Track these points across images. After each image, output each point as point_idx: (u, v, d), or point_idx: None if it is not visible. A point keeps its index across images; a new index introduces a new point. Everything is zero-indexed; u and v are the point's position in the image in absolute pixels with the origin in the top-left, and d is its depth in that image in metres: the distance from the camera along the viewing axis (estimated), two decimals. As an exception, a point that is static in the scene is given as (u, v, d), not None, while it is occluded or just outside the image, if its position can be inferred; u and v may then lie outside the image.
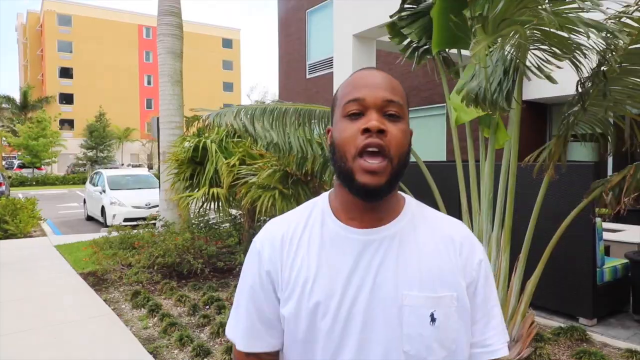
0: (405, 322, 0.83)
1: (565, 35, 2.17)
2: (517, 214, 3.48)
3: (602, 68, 2.44)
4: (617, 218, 6.45)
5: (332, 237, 0.88)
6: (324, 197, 0.96)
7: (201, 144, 6.53)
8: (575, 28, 2.06)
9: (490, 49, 2.92)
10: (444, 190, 3.85)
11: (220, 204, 6.41)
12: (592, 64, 2.57)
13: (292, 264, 0.88)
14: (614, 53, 2.20)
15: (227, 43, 64.23)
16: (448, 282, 0.86)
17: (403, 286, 0.84)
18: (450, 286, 0.86)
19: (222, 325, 4.21)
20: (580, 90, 2.61)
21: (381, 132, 0.81)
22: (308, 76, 15.28)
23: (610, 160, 8.52)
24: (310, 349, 0.85)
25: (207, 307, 4.89)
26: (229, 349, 3.69)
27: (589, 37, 2.00)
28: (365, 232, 0.87)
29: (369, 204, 0.87)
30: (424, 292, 0.84)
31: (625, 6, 2.18)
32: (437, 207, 3.78)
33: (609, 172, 8.19)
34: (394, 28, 4.07)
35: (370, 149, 0.81)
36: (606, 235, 4.98)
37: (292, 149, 3.38)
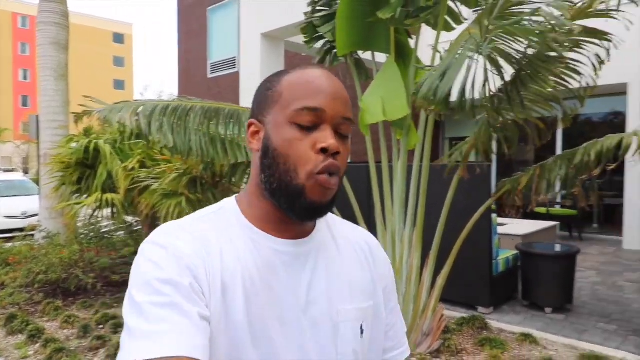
0: (340, 340, 0.76)
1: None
2: (428, 213, 3.61)
3: (517, 75, 2.59)
4: (502, 212, 7.06)
5: (258, 249, 0.75)
6: (231, 204, 0.80)
7: (92, 145, 5.89)
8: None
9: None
10: (356, 192, 3.87)
11: (115, 211, 5.83)
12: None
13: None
14: (527, 62, 2.34)
15: (118, 38, 59.84)
16: (369, 292, 0.82)
17: (337, 301, 0.77)
18: (370, 296, 0.82)
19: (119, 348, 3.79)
20: (495, 96, 2.73)
21: (337, 153, 0.72)
22: (210, 75, 14.74)
23: (494, 160, 9.37)
24: None
25: (101, 326, 4.38)
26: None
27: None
28: (292, 244, 0.77)
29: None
30: (354, 304, 0.79)
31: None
32: (352, 209, 3.79)
33: (493, 172, 8.98)
34: (308, 29, 4.00)
35: (329, 169, 0.72)
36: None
37: (191, 151, 3.13)
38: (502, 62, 2.44)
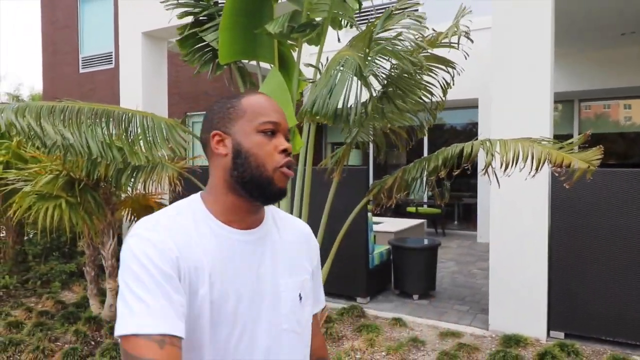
0: (283, 305, 1.00)
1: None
2: (311, 213, 3.90)
3: (384, 91, 2.99)
4: (380, 213, 7.72)
5: (219, 239, 0.95)
6: (197, 201, 0.99)
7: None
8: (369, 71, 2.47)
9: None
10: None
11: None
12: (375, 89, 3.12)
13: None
14: (390, 81, 2.73)
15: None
16: (304, 268, 1.08)
17: (280, 276, 1.01)
18: (306, 271, 1.09)
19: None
20: (364, 106, 3.11)
21: (290, 153, 1.00)
22: (82, 71, 13.64)
23: (371, 164, 10.18)
24: (215, 332, 0.91)
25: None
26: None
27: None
28: (246, 233, 0.99)
29: (257, 207, 1.00)
30: (293, 277, 1.04)
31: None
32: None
33: (371, 174, 9.76)
34: (186, 40, 4.05)
35: (289, 165, 0.98)
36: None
37: (91, 153, 3.04)
38: (372, 79, 2.82)
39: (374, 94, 3.09)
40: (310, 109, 2.84)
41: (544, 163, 2.40)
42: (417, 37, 2.57)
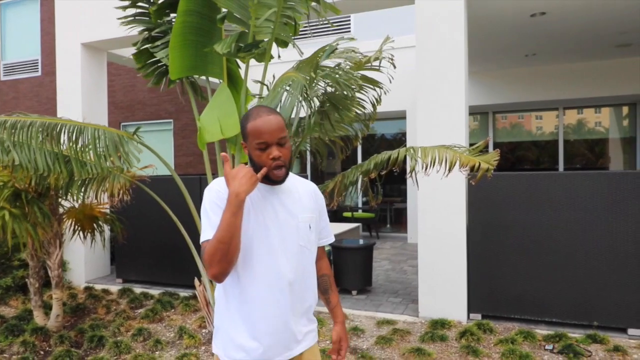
0: (298, 231, 1.65)
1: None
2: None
3: (322, 106, 3.41)
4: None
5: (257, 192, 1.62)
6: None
7: None
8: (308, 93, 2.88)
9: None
10: (175, 203, 4.25)
11: None
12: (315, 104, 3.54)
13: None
14: (327, 98, 3.16)
15: None
16: (313, 209, 1.73)
17: (296, 212, 1.66)
18: (314, 211, 1.73)
19: None
20: (305, 119, 3.52)
21: (280, 157, 1.55)
22: (3, 78, 12.96)
23: (309, 169, 10.65)
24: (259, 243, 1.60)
25: None
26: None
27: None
28: (271, 187, 1.64)
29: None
30: (305, 214, 1.68)
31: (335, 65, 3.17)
32: (192, 216, 4.18)
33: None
34: (141, 55, 4.26)
35: (277, 166, 1.56)
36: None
37: (38, 168, 3.17)
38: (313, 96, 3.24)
39: (314, 110, 3.52)
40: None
41: (454, 165, 2.93)
42: (349, 64, 3.02)
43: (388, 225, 10.71)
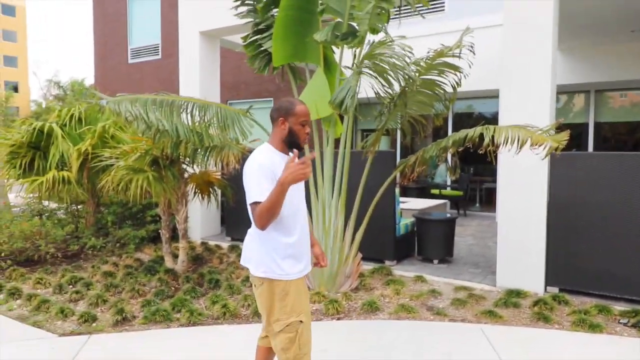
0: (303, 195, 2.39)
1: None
2: (350, 187, 4.80)
3: (406, 88, 3.85)
4: (404, 193, 8.53)
5: (281, 159, 2.25)
6: (269, 146, 2.31)
7: (46, 128, 6.32)
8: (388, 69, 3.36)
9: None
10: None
11: (69, 188, 6.32)
12: (399, 85, 3.98)
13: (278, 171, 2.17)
14: (411, 81, 3.59)
15: (9, 10, 54.38)
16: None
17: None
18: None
19: (100, 296, 4.55)
20: (392, 99, 3.99)
21: (309, 132, 2.31)
22: (130, 61, 14.81)
23: (398, 148, 10.99)
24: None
25: (71, 286, 5.05)
26: (120, 311, 4.14)
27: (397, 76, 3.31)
28: (286, 156, 2.29)
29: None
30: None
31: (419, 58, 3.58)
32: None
33: (398, 157, 10.57)
34: (250, 45, 4.98)
35: (307, 138, 2.30)
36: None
37: (179, 136, 4.02)
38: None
39: (395, 93, 3.97)
40: (337, 103, 3.77)
41: (525, 143, 3.21)
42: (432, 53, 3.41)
43: (477, 204, 10.75)
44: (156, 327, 4.01)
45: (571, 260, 4.69)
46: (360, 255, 4.90)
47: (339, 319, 4.16)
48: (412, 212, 7.17)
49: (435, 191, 10.01)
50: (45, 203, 7.43)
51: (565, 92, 9.30)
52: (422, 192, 10.50)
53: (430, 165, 4.09)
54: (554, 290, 4.77)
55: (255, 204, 2.12)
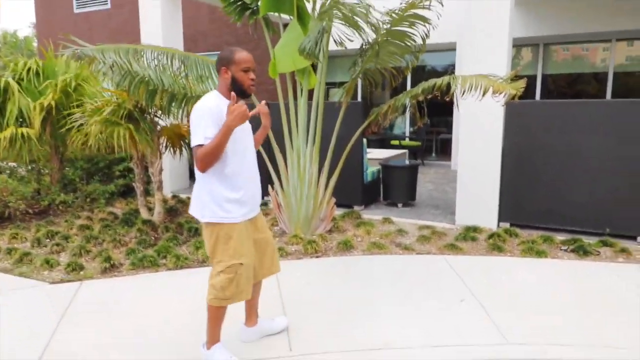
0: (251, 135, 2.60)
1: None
2: (323, 137, 5.05)
3: (376, 39, 4.07)
4: (368, 144, 8.84)
5: (226, 105, 2.34)
6: (217, 93, 2.42)
7: (2, 84, 6.09)
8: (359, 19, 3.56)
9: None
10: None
11: (30, 145, 6.18)
12: (370, 37, 4.19)
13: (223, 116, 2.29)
14: (381, 31, 3.81)
15: None
16: None
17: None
18: None
19: (82, 247, 4.67)
20: (362, 50, 4.21)
21: (254, 78, 2.43)
22: (76, 10, 13.97)
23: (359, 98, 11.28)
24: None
25: (49, 240, 5.11)
26: (108, 258, 4.30)
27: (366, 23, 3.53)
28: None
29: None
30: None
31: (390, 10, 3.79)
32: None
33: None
34: None
35: (252, 84, 2.42)
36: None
37: (164, 85, 4.08)
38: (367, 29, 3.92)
39: (370, 41, 4.19)
40: (301, 50, 3.94)
41: (487, 91, 3.57)
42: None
43: (433, 154, 11.34)
44: (145, 272, 4.22)
45: (521, 198, 5.24)
46: (333, 199, 5.24)
47: (317, 257, 4.52)
48: (375, 161, 7.57)
49: (395, 142, 10.46)
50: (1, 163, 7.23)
51: (517, 45, 9.79)
52: (383, 143, 10.93)
53: (400, 115, 4.39)
54: (506, 225, 5.34)
55: (200, 146, 2.24)
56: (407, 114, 10.47)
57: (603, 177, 4.84)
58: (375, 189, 6.74)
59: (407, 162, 6.96)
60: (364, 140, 6.23)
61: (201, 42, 12.25)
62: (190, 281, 3.98)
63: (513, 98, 3.49)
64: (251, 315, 2.89)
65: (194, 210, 2.50)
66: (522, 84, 3.50)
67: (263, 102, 2.72)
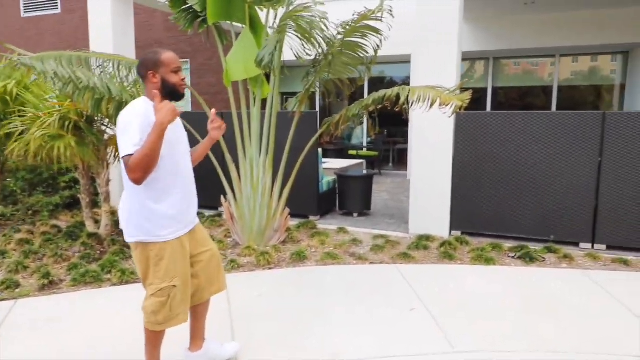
0: (185, 140, 2.40)
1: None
2: (277, 146, 5.01)
3: (329, 50, 4.08)
4: (324, 154, 8.88)
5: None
6: (145, 99, 2.21)
7: None
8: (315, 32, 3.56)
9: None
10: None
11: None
12: (322, 47, 4.20)
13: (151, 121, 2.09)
14: (335, 43, 3.83)
15: None
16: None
17: (181, 125, 2.38)
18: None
19: (20, 263, 4.40)
20: (316, 61, 4.21)
21: (184, 78, 2.27)
22: (24, 15, 13.38)
23: (317, 108, 11.31)
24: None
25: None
26: (46, 274, 4.07)
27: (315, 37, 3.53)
28: None
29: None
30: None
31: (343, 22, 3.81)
32: (219, 143, 4.95)
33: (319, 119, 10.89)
34: (175, 2, 4.87)
35: (184, 85, 2.26)
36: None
37: (112, 94, 3.92)
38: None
39: (324, 52, 4.20)
40: (259, 62, 3.93)
41: (435, 102, 3.64)
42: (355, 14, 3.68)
43: (391, 164, 11.50)
44: (87, 289, 4.01)
45: (471, 207, 5.37)
46: (287, 210, 5.18)
47: (270, 269, 4.44)
48: (332, 171, 7.58)
49: (352, 152, 10.54)
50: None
51: (469, 58, 10.13)
52: (341, 153, 10.99)
53: (354, 125, 4.41)
54: (457, 233, 5.45)
55: (130, 156, 2.00)
56: (365, 125, 10.60)
57: (546, 186, 5.04)
58: (331, 198, 6.74)
59: (364, 171, 7.01)
60: (320, 150, 6.23)
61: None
62: (134, 295, 3.81)
63: (461, 109, 3.57)
64: (195, 338, 2.64)
65: (122, 226, 2.28)
66: (467, 95, 3.59)
67: (213, 110, 2.55)
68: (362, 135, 11.41)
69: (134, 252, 2.28)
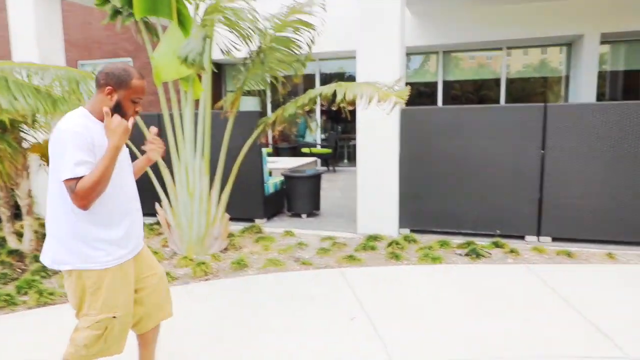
0: (128, 161, 2.13)
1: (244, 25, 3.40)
2: (213, 148, 4.71)
3: (261, 46, 3.82)
4: (277, 153, 8.65)
5: (99, 128, 1.94)
6: (85, 112, 1.95)
7: None
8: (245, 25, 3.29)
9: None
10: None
11: None
12: (256, 44, 3.94)
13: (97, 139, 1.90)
14: (267, 37, 3.57)
15: None
16: None
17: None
18: None
19: None
20: (248, 58, 3.94)
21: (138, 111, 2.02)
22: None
23: (269, 107, 11.02)
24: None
25: None
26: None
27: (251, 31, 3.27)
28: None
29: None
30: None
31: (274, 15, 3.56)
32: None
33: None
34: None
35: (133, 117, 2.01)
36: (269, 165, 6.90)
37: (33, 108, 3.51)
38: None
39: (256, 47, 3.94)
40: (183, 59, 3.63)
41: (372, 99, 3.45)
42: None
43: (345, 160, 11.36)
44: (-2, 314, 3.60)
45: (419, 204, 5.25)
46: (227, 215, 4.90)
47: (207, 280, 4.16)
48: (282, 170, 7.32)
49: (306, 150, 10.31)
50: None
51: (418, 53, 10.08)
52: (294, 151, 10.75)
53: (299, 127, 4.17)
54: (406, 231, 5.33)
55: (73, 180, 1.78)
56: (319, 121, 10.38)
57: (491, 180, 4.97)
58: (279, 200, 6.49)
59: (317, 170, 6.80)
60: (264, 150, 5.97)
61: (96, 50, 11.34)
62: (50, 319, 3.45)
63: (396, 104, 3.40)
64: None
65: (46, 256, 1.97)
66: (406, 91, 3.43)
67: (152, 129, 2.23)
68: (316, 132, 11.20)
69: (66, 281, 1.98)
